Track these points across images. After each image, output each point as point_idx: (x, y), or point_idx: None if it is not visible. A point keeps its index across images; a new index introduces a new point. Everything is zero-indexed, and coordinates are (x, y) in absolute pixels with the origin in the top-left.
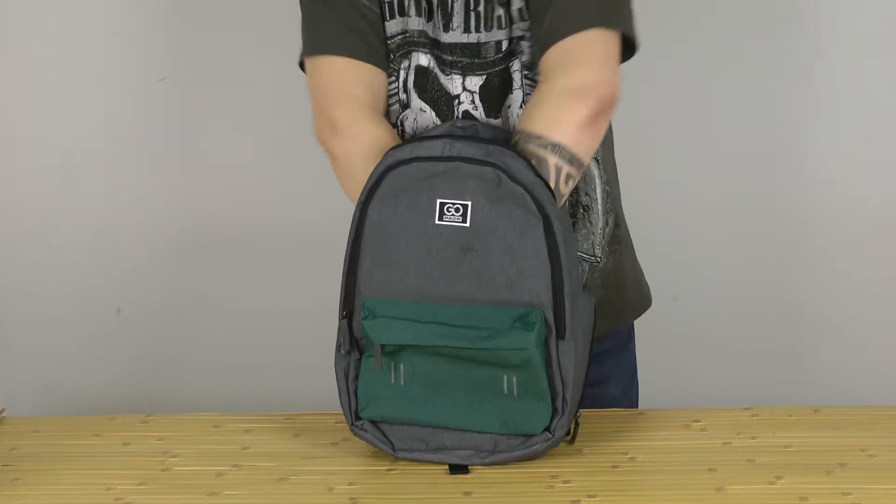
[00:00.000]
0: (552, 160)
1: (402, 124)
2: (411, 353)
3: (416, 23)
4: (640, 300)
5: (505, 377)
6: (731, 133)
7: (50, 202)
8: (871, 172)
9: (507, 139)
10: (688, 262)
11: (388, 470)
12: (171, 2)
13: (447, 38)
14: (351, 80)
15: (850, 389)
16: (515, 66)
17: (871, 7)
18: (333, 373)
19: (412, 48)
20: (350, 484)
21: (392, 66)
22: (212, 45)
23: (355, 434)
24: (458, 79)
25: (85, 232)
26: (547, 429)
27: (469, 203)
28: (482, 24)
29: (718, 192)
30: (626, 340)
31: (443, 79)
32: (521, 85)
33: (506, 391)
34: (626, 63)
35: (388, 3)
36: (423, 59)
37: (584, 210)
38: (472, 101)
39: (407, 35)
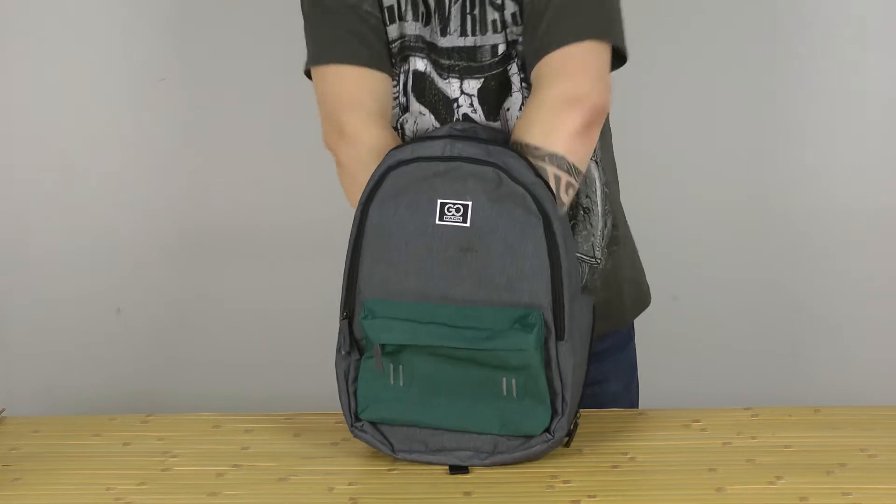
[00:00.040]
0: (551, 170)
1: (402, 127)
2: (411, 354)
3: (412, 28)
4: (639, 300)
5: (504, 379)
6: (730, 133)
7: (50, 202)
8: (870, 172)
9: (507, 140)
10: (688, 262)
11: (389, 470)
12: (171, 2)
13: (444, 42)
14: (356, 87)
15: (850, 389)
16: (513, 69)
17: (871, 7)
18: (333, 373)
19: (409, 53)
20: (350, 484)
21: (394, 70)
22: (212, 45)
23: (355, 435)
24: (455, 82)
25: (85, 232)
26: (547, 430)
27: (469, 203)
28: (477, 28)
29: (718, 192)
30: (627, 339)
31: (440, 83)
32: (521, 87)
33: (505, 393)
34: (627, 63)
35: (388, 7)
36: (420, 63)
37: (584, 212)
38: (471, 105)
39: (404, 40)
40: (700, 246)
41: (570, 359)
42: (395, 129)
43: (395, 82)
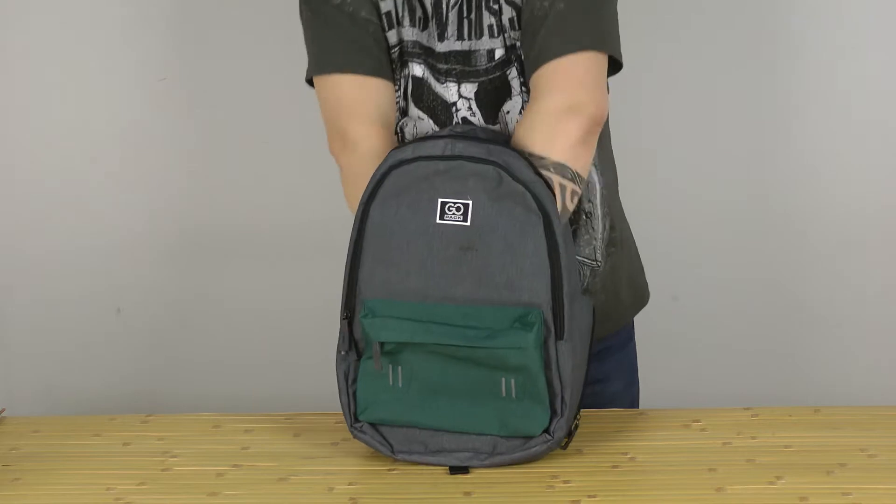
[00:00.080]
0: (557, 180)
1: (401, 131)
2: (410, 354)
3: (409, 33)
4: (637, 299)
5: (503, 379)
6: (730, 133)
7: (50, 202)
8: (871, 172)
9: (507, 141)
10: (688, 262)
11: (389, 470)
12: (171, 2)
13: (441, 47)
14: (357, 95)
15: (850, 389)
16: (512, 73)
17: (872, 7)
18: (333, 373)
19: (408, 58)
20: (350, 484)
21: (395, 75)
22: (212, 45)
23: (355, 436)
24: (453, 86)
25: (85, 232)
26: (546, 430)
27: (470, 202)
28: (474, 32)
29: (718, 193)
30: (627, 338)
31: (438, 87)
32: (521, 91)
33: (504, 393)
34: (627, 63)
35: (386, 14)
36: (418, 69)
37: (586, 217)
38: (469, 108)
39: (403, 45)
40: (700, 246)
41: (570, 359)
42: (395, 133)
43: (397, 87)
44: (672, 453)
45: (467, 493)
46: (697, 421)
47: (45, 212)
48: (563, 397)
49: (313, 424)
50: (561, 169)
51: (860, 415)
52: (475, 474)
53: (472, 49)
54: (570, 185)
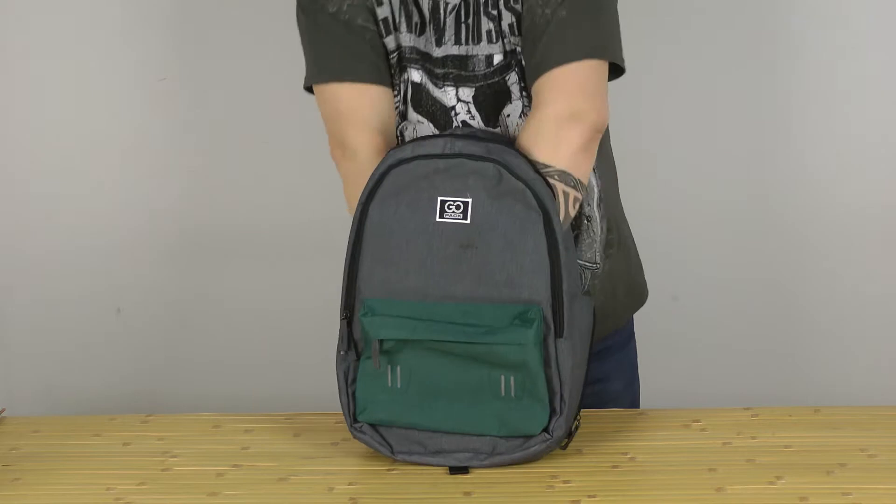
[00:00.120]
0: (560, 187)
1: (401, 135)
2: (409, 354)
3: (406, 39)
4: (634, 300)
5: (503, 377)
6: (730, 133)
7: (50, 202)
8: (871, 172)
9: (507, 141)
10: (688, 262)
11: (388, 470)
12: (171, 2)
13: (439, 51)
14: (355, 103)
15: (850, 389)
16: (512, 78)
17: (872, 7)
18: (333, 373)
19: (406, 64)
20: (350, 484)
21: (394, 80)
22: (212, 45)
23: (354, 436)
24: (451, 90)
25: (85, 232)
26: (545, 430)
27: (469, 200)
28: (471, 37)
29: (718, 193)
30: (627, 338)
31: (436, 92)
32: (521, 96)
33: (503, 393)
34: (627, 63)
35: (383, 20)
36: (416, 74)
37: (587, 221)
38: (468, 111)
39: (401, 51)
40: (700, 246)
41: (570, 357)
42: (396, 137)
43: (396, 92)
44: (672, 453)
45: (467, 493)
46: (697, 421)
47: (45, 212)
48: (562, 395)
49: (313, 424)
50: (564, 177)
51: (860, 415)
52: (475, 474)
53: (470, 54)
54: (572, 193)
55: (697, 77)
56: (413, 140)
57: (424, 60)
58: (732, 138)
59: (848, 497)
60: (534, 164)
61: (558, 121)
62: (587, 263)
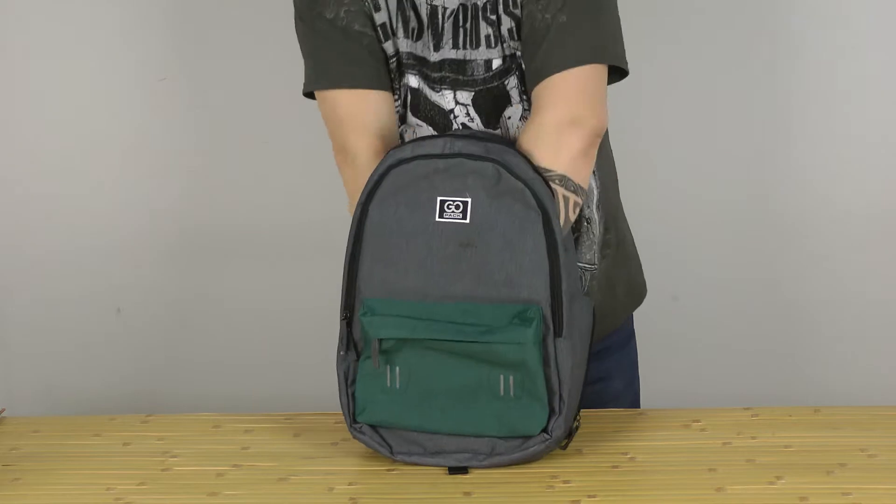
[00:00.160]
0: (561, 192)
1: (401, 137)
2: (408, 353)
3: (404, 44)
4: (632, 299)
5: (501, 377)
6: (730, 133)
7: (50, 202)
8: (871, 172)
9: (507, 142)
10: (688, 262)
11: (388, 470)
12: (171, 2)
13: (436, 56)
14: (355, 108)
15: (850, 389)
16: (511, 82)
17: (872, 7)
18: (333, 373)
19: (404, 68)
20: (350, 484)
21: (394, 84)
22: (212, 45)
23: (354, 437)
24: (448, 94)
25: (85, 232)
26: (544, 430)
27: (469, 200)
28: (470, 42)
29: (718, 193)
30: (627, 337)
31: (434, 96)
32: (521, 100)
33: (502, 393)
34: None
35: (381, 25)
36: (413, 80)
37: (586, 223)
38: (468, 114)
39: (399, 56)
40: (700, 246)
41: (569, 356)
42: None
43: (396, 97)
44: (672, 453)
45: (467, 494)
46: (697, 421)
47: (45, 212)
48: (561, 395)
49: (313, 424)
50: (564, 181)
51: (860, 415)
52: (475, 474)
53: (468, 59)
54: (572, 197)
55: (697, 77)
56: (413, 140)
57: (421, 65)
58: (732, 138)
59: (848, 497)
60: (533, 164)
61: (558, 126)
62: (586, 265)
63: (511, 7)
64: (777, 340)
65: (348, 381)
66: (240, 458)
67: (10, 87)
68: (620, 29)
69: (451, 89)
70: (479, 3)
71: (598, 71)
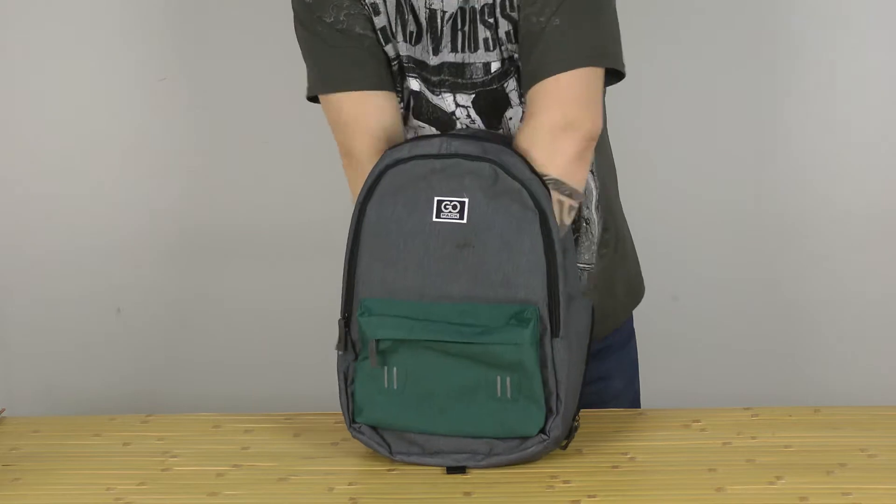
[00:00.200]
0: (556, 196)
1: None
2: (405, 354)
3: (403, 48)
4: (631, 298)
5: (499, 378)
6: (730, 134)
7: (50, 202)
8: (870, 172)
9: (506, 141)
10: (688, 262)
11: (388, 470)
12: (170, 2)
13: (435, 59)
14: (358, 112)
15: (850, 389)
16: (511, 85)
17: (872, 7)
18: (333, 373)
19: (405, 72)
20: (350, 484)
21: (396, 87)
22: (212, 45)
23: (354, 436)
24: (448, 96)
25: (85, 232)
26: (542, 430)
27: (466, 200)
28: (468, 45)
29: (718, 193)
30: (627, 336)
31: (435, 100)
32: (520, 102)
33: (499, 394)
34: (627, 63)
35: (381, 29)
36: (414, 83)
37: (585, 223)
38: (469, 115)
39: (399, 59)
40: (700, 246)
41: (566, 356)
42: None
43: (399, 99)
44: (672, 453)
45: (467, 494)
46: (697, 421)
47: (45, 212)
48: (558, 395)
49: (313, 424)
50: (559, 185)
51: (860, 415)
52: (475, 474)
53: (467, 62)
54: (567, 201)
55: (697, 77)
56: (410, 140)
57: (420, 69)
58: (732, 138)
59: (848, 497)
60: (530, 164)
61: (552, 130)
62: (585, 266)
63: (508, 10)
64: (777, 340)
65: (347, 381)
66: (240, 458)
67: (10, 87)
68: (618, 31)
69: (451, 92)
70: (476, 6)
71: (593, 74)
